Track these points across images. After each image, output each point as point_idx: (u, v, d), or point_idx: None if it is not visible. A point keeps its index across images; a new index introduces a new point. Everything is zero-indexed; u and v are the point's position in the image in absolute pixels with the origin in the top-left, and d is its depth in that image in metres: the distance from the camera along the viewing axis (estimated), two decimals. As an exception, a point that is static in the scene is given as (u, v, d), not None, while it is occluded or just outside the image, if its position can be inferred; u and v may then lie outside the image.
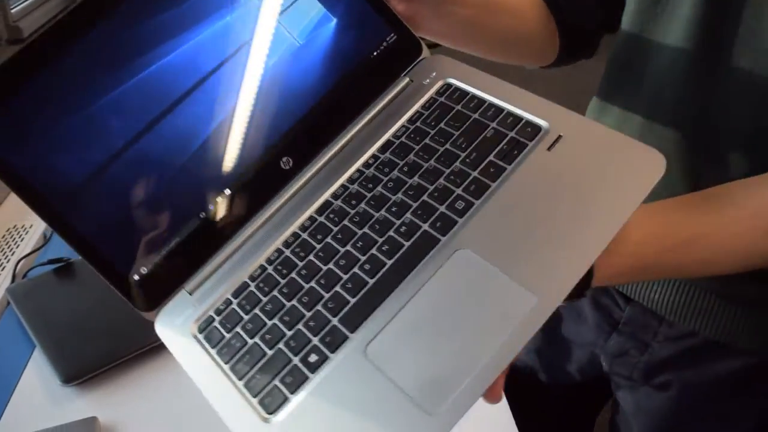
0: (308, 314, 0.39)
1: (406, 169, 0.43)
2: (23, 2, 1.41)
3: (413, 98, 0.47)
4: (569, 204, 0.37)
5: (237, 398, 0.37)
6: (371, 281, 0.38)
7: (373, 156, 0.45)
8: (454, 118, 0.44)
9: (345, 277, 0.39)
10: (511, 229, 0.37)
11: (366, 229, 0.41)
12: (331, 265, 0.40)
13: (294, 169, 0.45)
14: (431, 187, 0.41)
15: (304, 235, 0.42)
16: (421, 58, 0.49)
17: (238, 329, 0.40)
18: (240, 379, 0.38)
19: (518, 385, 0.83)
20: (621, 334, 0.64)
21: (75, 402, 0.61)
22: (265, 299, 0.40)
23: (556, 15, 0.59)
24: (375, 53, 0.48)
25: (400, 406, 0.32)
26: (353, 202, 0.42)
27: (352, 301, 0.38)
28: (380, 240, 0.40)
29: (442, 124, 0.44)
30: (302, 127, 0.46)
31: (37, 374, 0.63)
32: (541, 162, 0.40)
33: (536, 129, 0.41)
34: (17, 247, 0.82)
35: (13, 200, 0.93)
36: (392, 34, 0.48)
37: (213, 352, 0.40)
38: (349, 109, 0.47)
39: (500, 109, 0.43)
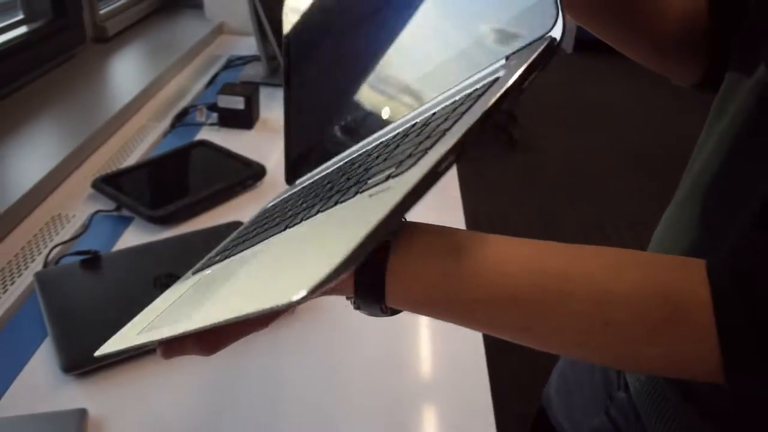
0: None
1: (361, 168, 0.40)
2: (111, 5, 1.51)
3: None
4: None
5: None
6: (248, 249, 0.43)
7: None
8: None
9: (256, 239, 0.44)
10: None
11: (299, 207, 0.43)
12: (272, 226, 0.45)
13: (386, 121, 0.46)
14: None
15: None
16: None
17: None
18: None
19: (538, 416, 0.79)
20: (608, 416, 0.59)
21: (71, 391, 0.62)
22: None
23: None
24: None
25: None
26: (333, 178, 0.44)
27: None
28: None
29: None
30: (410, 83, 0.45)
31: (44, 359, 0.66)
32: None
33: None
34: (56, 235, 0.87)
35: (63, 189, 0.98)
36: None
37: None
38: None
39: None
